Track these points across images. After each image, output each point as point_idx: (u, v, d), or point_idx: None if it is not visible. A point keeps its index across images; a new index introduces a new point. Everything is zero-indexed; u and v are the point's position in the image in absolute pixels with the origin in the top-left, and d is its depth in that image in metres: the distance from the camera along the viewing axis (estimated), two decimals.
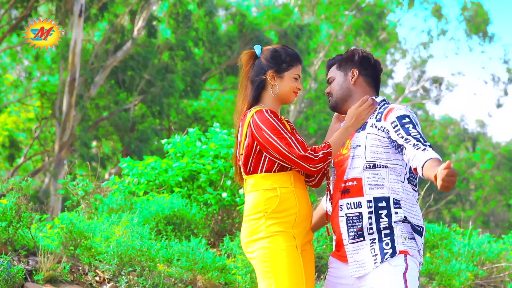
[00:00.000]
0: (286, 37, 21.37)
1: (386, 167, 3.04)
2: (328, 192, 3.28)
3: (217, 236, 6.23)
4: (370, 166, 3.05)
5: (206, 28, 20.46)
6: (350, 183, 3.09)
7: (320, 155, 3.10)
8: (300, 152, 3.08)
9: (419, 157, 2.86)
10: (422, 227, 3.06)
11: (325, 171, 3.29)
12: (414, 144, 2.93)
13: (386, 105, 3.16)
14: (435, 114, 37.52)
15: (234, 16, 22.23)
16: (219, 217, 6.23)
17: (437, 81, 32.73)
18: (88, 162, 8.52)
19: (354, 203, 3.06)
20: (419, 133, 2.99)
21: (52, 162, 19.09)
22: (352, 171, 3.09)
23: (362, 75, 3.26)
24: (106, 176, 20.16)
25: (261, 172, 3.17)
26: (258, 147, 3.17)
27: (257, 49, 3.33)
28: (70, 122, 18.16)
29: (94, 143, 21.77)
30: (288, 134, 3.13)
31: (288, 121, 3.42)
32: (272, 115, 3.16)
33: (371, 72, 3.28)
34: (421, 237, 3.05)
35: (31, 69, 24.02)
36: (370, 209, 3.02)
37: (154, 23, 20.18)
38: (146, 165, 6.49)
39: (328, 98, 3.34)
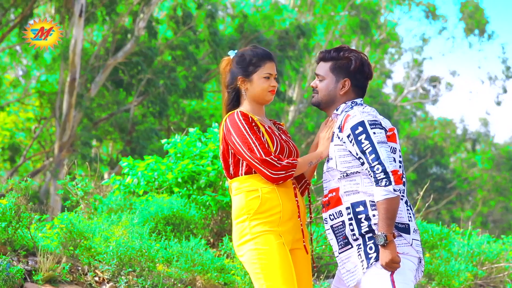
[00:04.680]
0: (286, 37, 21.31)
1: (359, 172, 3.06)
2: None
3: (216, 236, 6.23)
4: (344, 175, 3.08)
5: (207, 30, 20.42)
6: (330, 195, 3.13)
7: (284, 164, 3.09)
8: (262, 156, 3.06)
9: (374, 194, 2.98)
10: (408, 224, 3.04)
11: (307, 184, 3.31)
12: (368, 170, 2.99)
13: (345, 113, 3.15)
14: (434, 116, 37.47)
15: (235, 17, 22.20)
16: (218, 218, 6.22)
17: (435, 80, 32.74)
18: (87, 162, 8.51)
19: (335, 213, 3.10)
20: (371, 144, 2.99)
21: (53, 162, 19.08)
22: (329, 184, 3.14)
23: (353, 86, 3.23)
24: (106, 176, 20.14)
25: (241, 174, 3.17)
26: (232, 150, 3.17)
27: (232, 54, 3.31)
28: (70, 122, 18.15)
29: (93, 143, 21.75)
30: (253, 138, 3.10)
31: (278, 123, 3.40)
32: (241, 118, 3.13)
33: (362, 82, 3.25)
34: (409, 234, 3.03)
35: (30, 68, 23.96)
36: (350, 216, 3.05)
37: (154, 24, 20.14)
38: (146, 165, 6.49)
39: (313, 93, 3.30)
